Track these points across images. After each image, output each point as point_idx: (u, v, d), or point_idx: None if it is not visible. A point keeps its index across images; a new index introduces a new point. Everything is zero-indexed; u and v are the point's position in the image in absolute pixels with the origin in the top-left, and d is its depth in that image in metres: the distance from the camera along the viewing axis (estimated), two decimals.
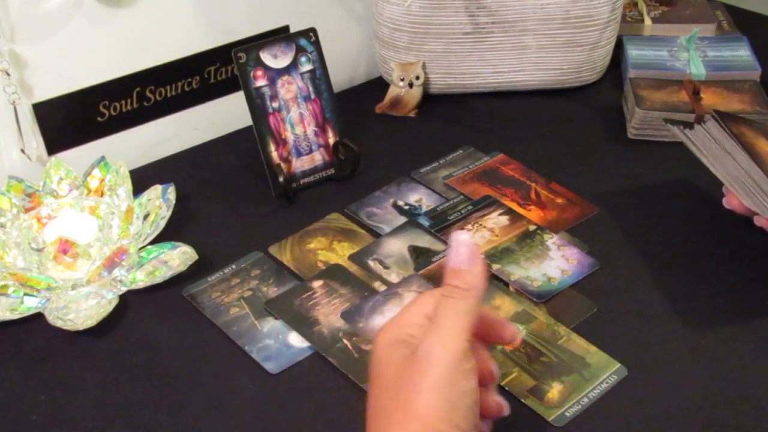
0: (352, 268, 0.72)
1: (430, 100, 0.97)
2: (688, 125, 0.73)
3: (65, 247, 0.68)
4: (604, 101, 0.97)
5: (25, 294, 0.67)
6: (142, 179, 0.79)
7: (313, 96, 0.83)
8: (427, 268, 0.72)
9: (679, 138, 0.73)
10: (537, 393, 0.60)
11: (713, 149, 0.70)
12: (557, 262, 0.72)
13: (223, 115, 0.94)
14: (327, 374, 0.62)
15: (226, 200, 0.82)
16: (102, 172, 0.78)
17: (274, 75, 0.80)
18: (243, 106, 0.80)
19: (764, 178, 0.66)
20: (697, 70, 0.95)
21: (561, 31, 0.93)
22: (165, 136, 0.91)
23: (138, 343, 0.66)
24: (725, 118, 0.71)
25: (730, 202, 0.71)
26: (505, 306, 0.67)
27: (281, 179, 0.79)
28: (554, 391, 0.60)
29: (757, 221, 0.70)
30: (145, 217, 0.73)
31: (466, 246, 0.47)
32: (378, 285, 0.70)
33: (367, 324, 0.65)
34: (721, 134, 0.70)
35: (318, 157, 0.84)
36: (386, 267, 0.72)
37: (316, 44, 0.82)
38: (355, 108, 0.95)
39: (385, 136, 0.92)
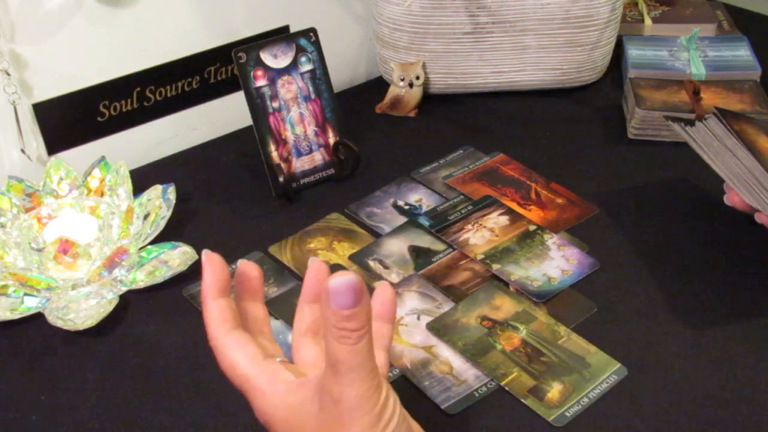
0: (352, 268, 0.72)
1: (430, 100, 0.97)
2: (689, 122, 0.73)
3: (65, 247, 0.68)
4: (604, 101, 0.97)
5: (25, 294, 0.67)
6: (142, 179, 0.79)
7: (313, 96, 0.83)
8: (427, 268, 0.72)
9: (680, 135, 0.73)
10: (537, 393, 0.60)
11: (714, 146, 0.70)
12: (557, 262, 0.72)
13: (223, 115, 0.94)
14: None
15: (226, 200, 0.82)
16: (102, 172, 0.78)
17: (274, 75, 0.80)
18: (243, 106, 0.80)
19: (765, 175, 0.65)
20: (697, 70, 0.95)
21: (561, 31, 0.93)
22: (165, 136, 0.91)
23: (138, 343, 0.65)
24: (726, 115, 0.71)
25: (731, 199, 0.71)
26: (505, 306, 0.67)
27: (281, 179, 0.79)
28: (554, 391, 0.60)
29: (758, 218, 0.70)
30: (145, 217, 0.73)
31: (350, 288, 0.40)
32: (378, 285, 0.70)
33: None
34: (722, 131, 0.70)
35: (318, 157, 0.84)
36: (386, 267, 0.72)
37: (316, 44, 0.82)
38: (355, 108, 0.95)
39: (385, 136, 0.92)
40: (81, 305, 0.67)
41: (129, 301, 0.69)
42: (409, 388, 0.60)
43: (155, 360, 0.64)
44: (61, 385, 0.62)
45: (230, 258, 0.73)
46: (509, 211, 0.78)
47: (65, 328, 0.64)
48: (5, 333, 0.66)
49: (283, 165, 0.81)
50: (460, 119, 0.95)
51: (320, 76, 0.83)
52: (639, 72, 0.96)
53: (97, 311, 0.66)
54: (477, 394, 0.60)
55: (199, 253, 0.70)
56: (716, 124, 0.70)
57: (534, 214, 0.78)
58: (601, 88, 1.00)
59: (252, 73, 0.79)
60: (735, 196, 0.70)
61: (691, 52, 0.98)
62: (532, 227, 0.76)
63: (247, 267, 0.49)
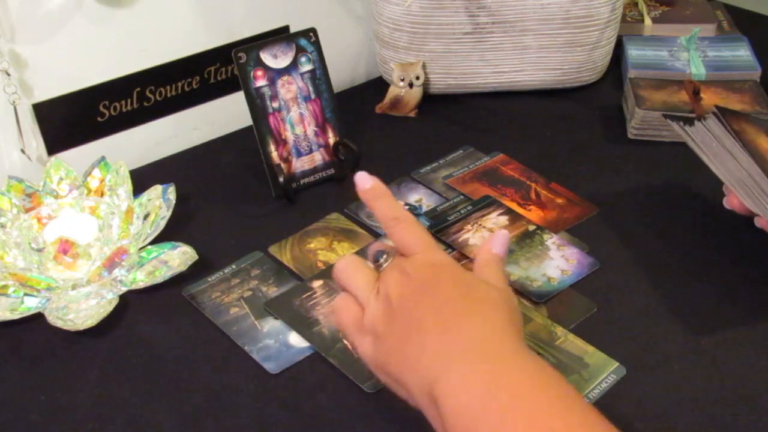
0: None
1: (430, 100, 0.97)
2: (689, 121, 0.72)
3: (65, 247, 0.68)
4: (604, 101, 0.97)
5: (25, 294, 0.68)
6: (142, 179, 0.79)
7: (313, 96, 0.83)
8: None
9: (679, 134, 0.72)
10: None
11: (713, 147, 0.69)
12: (557, 262, 0.72)
13: (223, 115, 0.94)
14: (327, 374, 0.62)
15: (226, 200, 0.82)
16: (102, 172, 0.78)
17: (274, 75, 0.80)
18: (243, 106, 0.80)
19: (764, 178, 0.65)
20: (697, 70, 0.95)
21: (561, 31, 0.93)
22: (165, 136, 0.91)
23: (138, 343, 0.66)
24: (726, 114, 0.70)
25: (730, 202, 0.71)
26: None
27: (281, 179, 0.79)
28: None
29: (758, 222, 0.69)
30: (145, 217, 0.73)
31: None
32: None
33: None
34: (721, 131, 0.69)
35: (318, 157, 0.84)
36: None
37: (316, 44, 0.82)
38: (355, 108, 0.95)
39: (385, 136, 0.92)
40: (81, 305, 0.67)
41: (129, 301, 0.69)
42: None
43: (155, 360, 0.64)
44: (61, 385, 0.62)
45: (230, 258, 0.73)
46: (509, 211, 0.78)
47: (65, 328, 0.64)
48: (5, 333, 0.66)
49: (283, 165, 0.81)
50: (460, 119, 0.95)
51: (320, 76, 0.83)
52: (639, 72, 0.96)
53: (97, 311, 0.66)
54: None
55: (199, 252, 0.71)
56: (715, 124, 0.69)
57: (534, 214, 0.78)
58: (601, 88, 1.00)
59: (252, 73, 0.79)
60: (734, 199, 0.70)
61: (691, 52, 0.98)
62: (531, 227, 0.76)
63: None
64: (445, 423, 0.47)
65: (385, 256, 0.57)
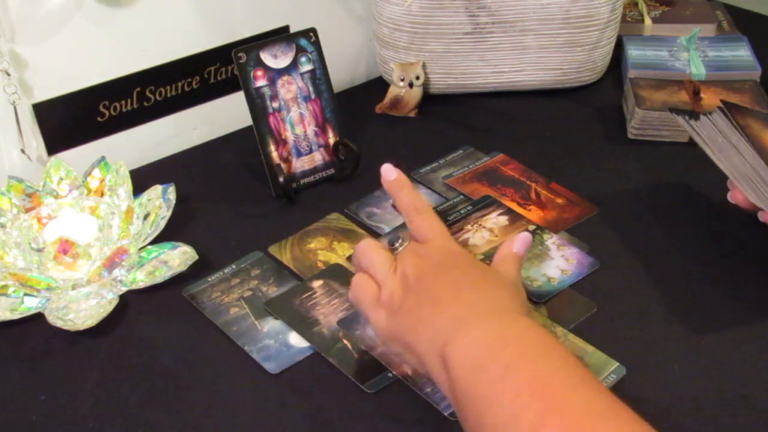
0: (352, 268, 0.72)
1: (430, 100, 0.97)
2: (694, 116, 0.72)
3: (65, 247, 0.68)
4: (604, 101, 0.97)
5: (25, 294, 0.68)
6: (142, 179, 0.79)
7: (313, 96, 0.83)
8: None
9: (684, 128, 0.72)
10: None
11: (719, 142, 0.69)
12: (557, 262, 0.72)
13: (223, 115, 0.94)
14: (327, 374, 0.62)
15: (226, 200, 0.82)
16: (102, 172, 0.78)
17: (274, 75, 0.80)
18: (243, 106, 0.80)
19: None
20: (697, 70, 0.95)
21: (561, 31, 0.93)
22: (165, 136, 0.91)
23: (138, 343, 0.66)
24: (732, 110, 0.70)
25: (734, 196, 0.70)
26: None
27: (281, 179, 0.79)
28: None
29: (762, 217, 0.69)
30: (145, 217, 0.73)
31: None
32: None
33: (365, 331, 0.65)
34: (726, 126, 0.69)
35: (318, 157, 0.84)
36: None
37: (316, 44, 0.82)
38: (355, 108, 0.95)
39: (385, 136, 0.92)
40: (81, 305, 0.67)
41: (129, 301, 0.69)
42: (410, 395, 0.60)
43: (155, 360, 0.64)
44: (61, 385, 0.62)
45: (230, 258, 0.73)
46: (508, 211, 0.78)
47: (65, 328, 0.64)
48: (5, 333, 0.66)
49: (283, 165, 0.81)
50: (460, 119, 0.95)
51: (320, 76, 0.83)
52: (639, 72, 0.96)
53: (97, 311, 0.66)
54: None
55: (199, 252, 0.71)
56: (721, 118, 0.69)
57: (534, 214, 0.78)
58: (601, 88, 1.00)
59: (252, 73, 0.79)
60: (738, 194, 0.69)
61: (691, 52, 0.98)
62: (531, 227, 0.76)
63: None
64: (452, 381, 0.50)
65: (400, 241, 0.60)
